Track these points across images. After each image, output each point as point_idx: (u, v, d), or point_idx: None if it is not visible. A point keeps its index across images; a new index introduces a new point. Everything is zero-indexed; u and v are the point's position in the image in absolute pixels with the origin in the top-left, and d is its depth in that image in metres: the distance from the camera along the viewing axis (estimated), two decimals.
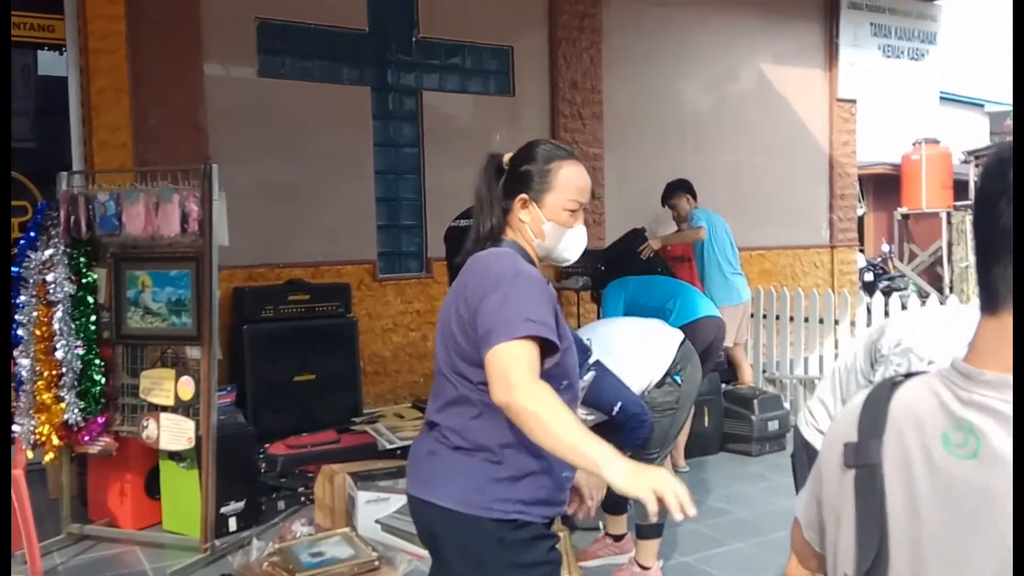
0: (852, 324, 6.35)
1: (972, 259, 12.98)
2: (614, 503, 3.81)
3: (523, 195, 1.94)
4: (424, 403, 4.02)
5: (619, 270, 5.68)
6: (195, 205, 3.73)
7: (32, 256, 3.86)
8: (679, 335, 3.67)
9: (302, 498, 4.50)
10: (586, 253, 6.94)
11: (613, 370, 3.42)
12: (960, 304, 5.70)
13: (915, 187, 14.43)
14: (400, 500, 3.82)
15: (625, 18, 7.53)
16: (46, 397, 3.79)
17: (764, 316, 6.86)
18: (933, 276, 14.32)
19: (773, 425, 5.67)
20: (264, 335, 5.41)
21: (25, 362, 3.82)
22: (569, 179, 1.94)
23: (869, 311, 6.16)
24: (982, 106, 20.35)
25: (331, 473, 4.17)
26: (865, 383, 1.93)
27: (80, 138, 5.44)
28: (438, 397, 1.93)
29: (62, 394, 3.80)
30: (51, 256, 3.84)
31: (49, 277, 3.82)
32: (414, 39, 6.62)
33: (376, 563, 3.50)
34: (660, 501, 1.48)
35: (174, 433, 3.80)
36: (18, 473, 3.70)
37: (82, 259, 3.91)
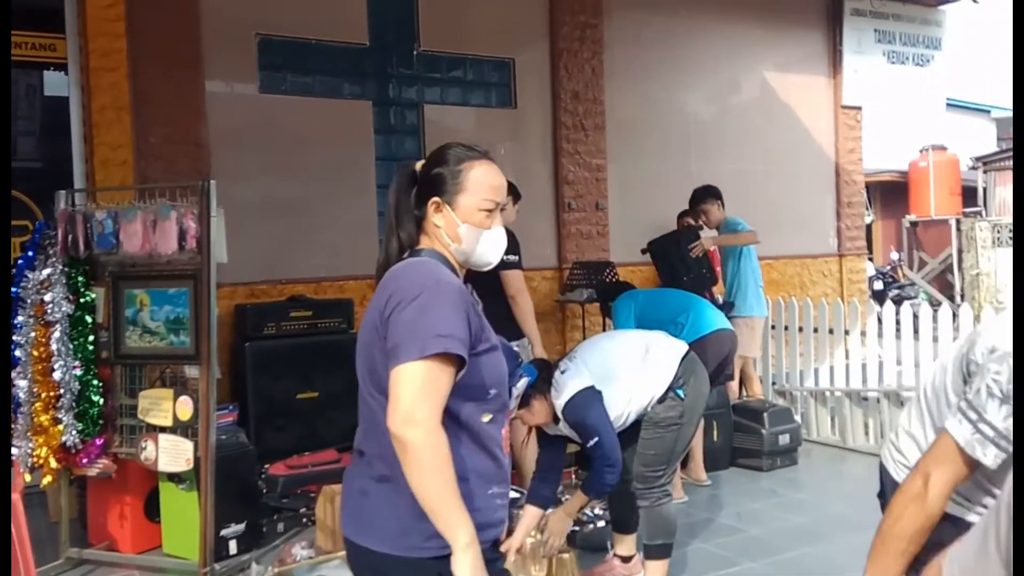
0: (862, 334, 6.27)
1: (983, 266, 12.91)
2: (623, 522, 3.75)
3: (435, 198, 1.88)
4: None
5: (663, 260, 5.61)
6: (193, 222, 3.68)
7: (30, 276, 3.83)
8: (682, 348, 3.60)
9: (303, 519, 4.43)
10: (591, 265, 6.89)
11: (612, 392, 3.38)
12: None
13: (923, 194, 14.36)
14: None
15: (627, 29, 7.50)
16: (44, 419, 3.74)
17: (773, 327, 6.78)
18: (944, 284, 14.22)
19: (784, 439, 5.57)
20: (266, 352, 5.35)
21: (23, 383, 3.77)
22: (481, 179, 1.88)
23: (879, 320, 6.07)
24: (989, 112, 20.28)
25: (332, 494, 4.09)
26: (959, 402, 1.73)
27: (82, 156, 5.42)
28: (362, 420, 1.86)
29: (60, 416, 3.75)
30: (49, 275, 3.80)
31: (47, 297, 3.78)
32: (415, 53, 6.60)
33: None
34: None
35: (172, 454, 3.74)
36: (15, 497, 3.64)
37: (80, 278, 3.87)
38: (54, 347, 3.73)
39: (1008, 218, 13.56)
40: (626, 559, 3.79)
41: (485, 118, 7.04)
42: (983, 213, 14.59)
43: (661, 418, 3.43)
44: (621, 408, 3.42)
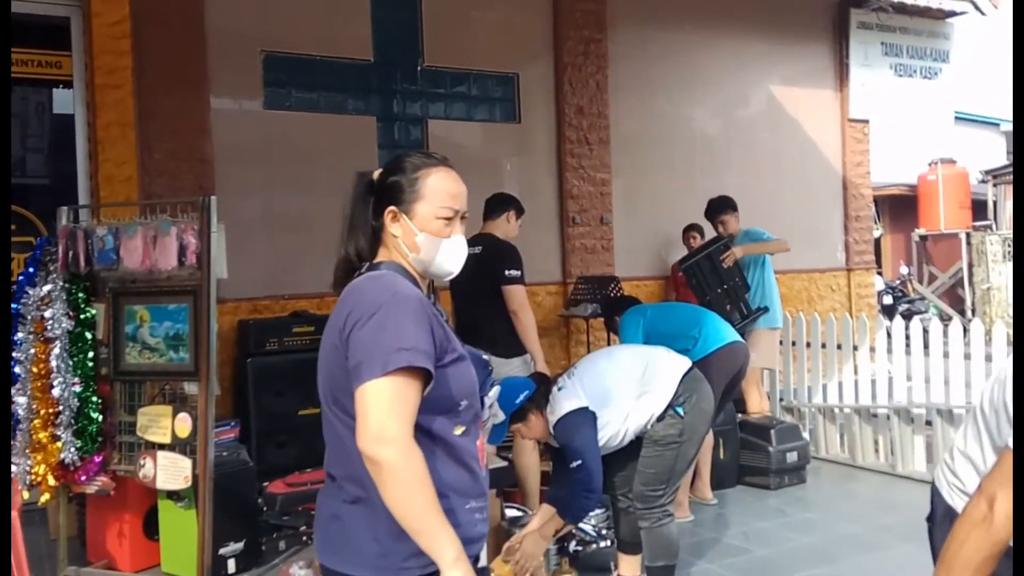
0: (871, 349, 6.21)
1: (994, 280, 12.81)
2: (628, 541, 3.70)
3: (392, 207, 1.82)
4: None
5: (696, 275, 5.60)
6: (193, 238, 3.66)
7: (30, 292, 3.81)
8: (683, 365, 3.56)
9: (304, 537, 4.38)
10: (595, 280, 6.86)
11: (608, 412, 3.35)
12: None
13: (932, 208, 14.29)
14: None
15: (631, 44, 7.49)
16: (42, 436, 3.71)
17: (780, 342, 6.72)
18: (954, 298, 14.12)
19: (792, 456, 5.49)
20: (268, 368, 5.33)
21: (22, 400, 3.75)
22: (439, 186, 1.82)
23: (889, 335, 6.00)
24: (998, 125, 20.19)
25: None
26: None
27: (86, 172, 5.43)
28: (328, 444, 1.80)
29: (58, 433, 3.72)
30: (49, 292, 3.78)
31: (47, 313, 3.76)
32: (419, 68, 6.61)
33: None
34: None
35: (171, 472, 3.71)
36: (12, 515, 3.61)
37: (81, 294, 3.85)
38: (53, 363, 3.71)
39: None
40: None
41: (489, 133, 7.04)
42: (993, 227, 14.50)
43: (660, 436, 3.39)
44: (617, 427, 3.39)
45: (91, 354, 3.84)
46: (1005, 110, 19.62)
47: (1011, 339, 5.14)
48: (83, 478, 3.84)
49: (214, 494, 3.67)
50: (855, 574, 4.02)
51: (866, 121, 8.89)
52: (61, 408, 3.72)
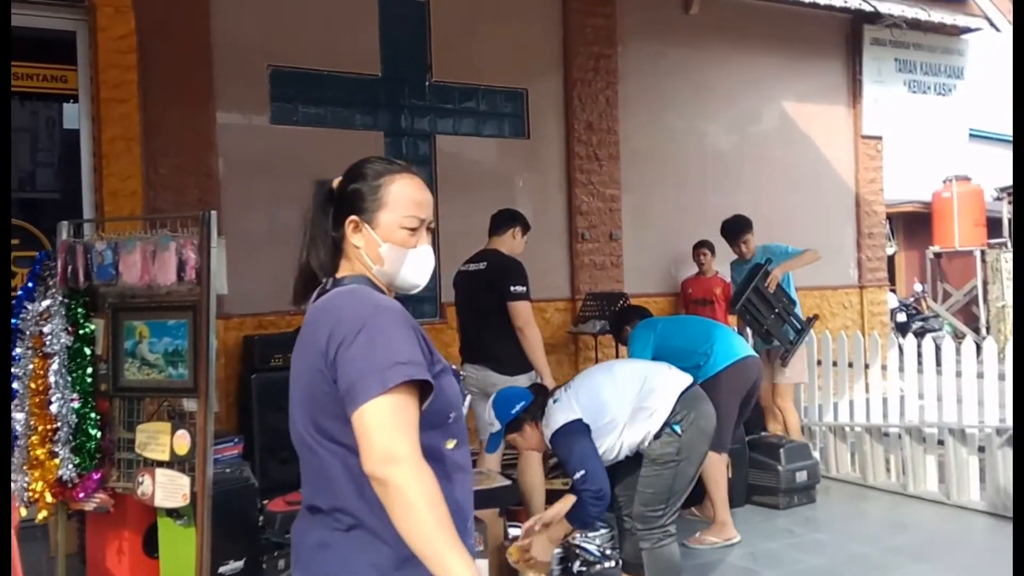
0: (883, 367, 6.12)
1: (1009, 298, 12.65)
2: (633, 563, 3.63)
3: (353, 217, 1.72)
4: None
5: (751, 310, 5.55)
6: (192, 253, 3.62)
7: (29, 307, 3.78)
8: (682, 382, 3.51)
9: None
10: (604, 296, 6.81)
11: (601, 426, 3.31)
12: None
13: (947, 225, 14.16)
14: None
15: (642, 60, 7.47)
16: (40, 452, 3.67)
17: None
18: (969, 316, 13.97)
19: (801, 476, 5.40)
20: (273, 384, 5.28)
21: (19, 416, 3.71)
22: (403, 193, 1.72)
23: (901, 351, 5.92)
24: None
25: None
26: None
27: (91, 187, 5.43)
28: (309, 476, 1.69)
29: (56, 449, 3.68)
30: (48, 307, 3.75)
31: (46, 328, 3.72)
32: (427, 83, 6.59)
33: None
34: None
35: (169, 490, 3.66)
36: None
37: (80, 309, 3.81)
38: (52, 379, 3.67)
39: None
40: None
41: (498, 149, 7.01)
42: (1008, 244, 14.35)
43: (658, 455, 3.35)
44: (612, 442, 3.36)
45: (90, 370, 3.79)
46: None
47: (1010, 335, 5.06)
48: (81, 495, 3.79)
49: (214, 512, 3.63)
50: None
51: (879, 138, 8.83)
52: (59, 424, 3.68)
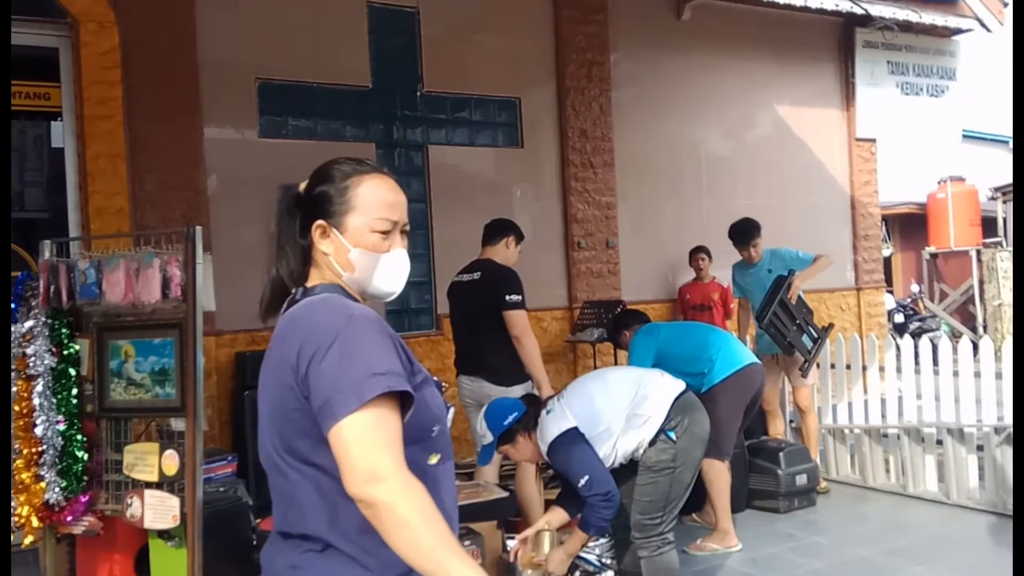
0: (881, 369, 6.08)
1: (1005, 297, 12.61)
2: (632, 572, 3.59)
3: (320, 222, 1.61)
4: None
5: (777, 324, 5.48)
6: (177, 269, 3.55)
7: (12, 329, 3.71)
8: (675, 389, 3.46)
9: None
10: (601, 304, 6.73)
11: (595, 435, 3.27)
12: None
13: (942, 226, 14.16)
14: None
15: (635, 67, 7.44)
16: (25, 476, 3.59)
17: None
18: (966, 315, 13.96)
19: (801, 479, 5.35)
20: None
21: None
22: (373, 195, 1.62)
23: (898, 351, 5.88)
24: (1006, 142, 20.05)
25: None
26: None
27: (76, 205, 5.35)
28: (279, 500, 1.58)
29: (42, 472, 3.60)
30: (31, 328, 3.68)
31: (29, 350, 3.65)
32: (419, 93, 6.54)
33: None
34: None
35: (159, 511, 3.58)
36: None
37: (64, 330, 3.74)
38: (36, 401, 3.59)
39: None
40: None
41: (492, 158, 6.96)
42: (1004, 243, 14.34)
43: (653, 462, 3.31)
44: (607, 451, 3.34)
45: (75, 391, 3.72)
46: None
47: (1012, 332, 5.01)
48: (69, 518, 3.72)
49: (206, 531, 3.55)
50: None
51: (873, 140, 8.81)
52: (44, 447, 3.60)
